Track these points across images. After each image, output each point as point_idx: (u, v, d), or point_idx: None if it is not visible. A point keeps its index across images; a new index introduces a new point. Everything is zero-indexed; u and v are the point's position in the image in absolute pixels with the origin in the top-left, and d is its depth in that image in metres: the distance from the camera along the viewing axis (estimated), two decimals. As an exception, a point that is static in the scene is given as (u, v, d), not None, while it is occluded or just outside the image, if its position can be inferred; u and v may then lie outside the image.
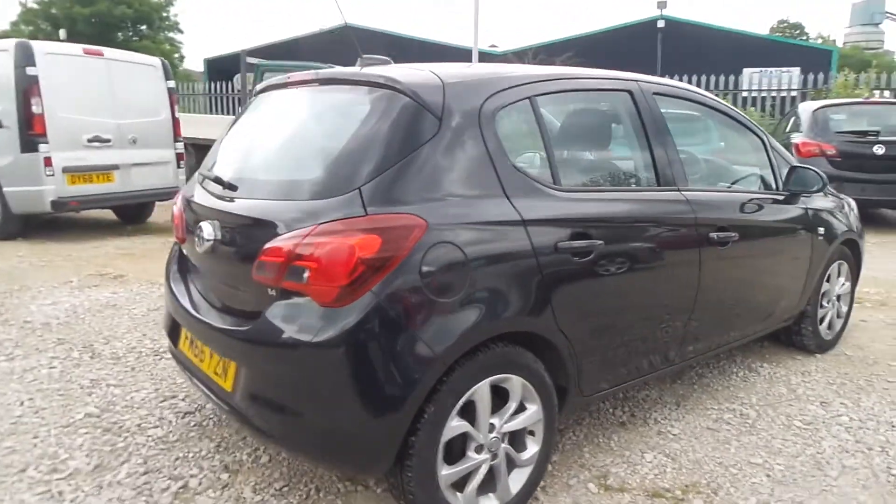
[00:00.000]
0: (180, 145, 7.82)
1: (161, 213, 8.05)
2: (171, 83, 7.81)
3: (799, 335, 3.60)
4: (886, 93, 12.40)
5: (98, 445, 2.60)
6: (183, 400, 3.02)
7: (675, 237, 2.57)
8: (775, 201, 3.16)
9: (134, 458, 2.51)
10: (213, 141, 2.73)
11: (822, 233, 3.41)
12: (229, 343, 2.04)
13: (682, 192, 2.62)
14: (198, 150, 9.26)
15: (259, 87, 2.70)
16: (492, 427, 2.03)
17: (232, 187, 2.20)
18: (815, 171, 3.19)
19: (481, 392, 1.97)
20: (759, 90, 13.79)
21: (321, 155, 2.07)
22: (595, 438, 2.72)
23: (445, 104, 1.97)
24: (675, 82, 2.93)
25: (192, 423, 2.81)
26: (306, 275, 1.77)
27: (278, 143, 2.34)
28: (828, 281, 3.65)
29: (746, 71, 15.65)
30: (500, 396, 2.05)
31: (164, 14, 34.80)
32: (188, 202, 2.48)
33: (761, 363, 3.56)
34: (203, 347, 2.23)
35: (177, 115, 7.78)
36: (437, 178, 1.91)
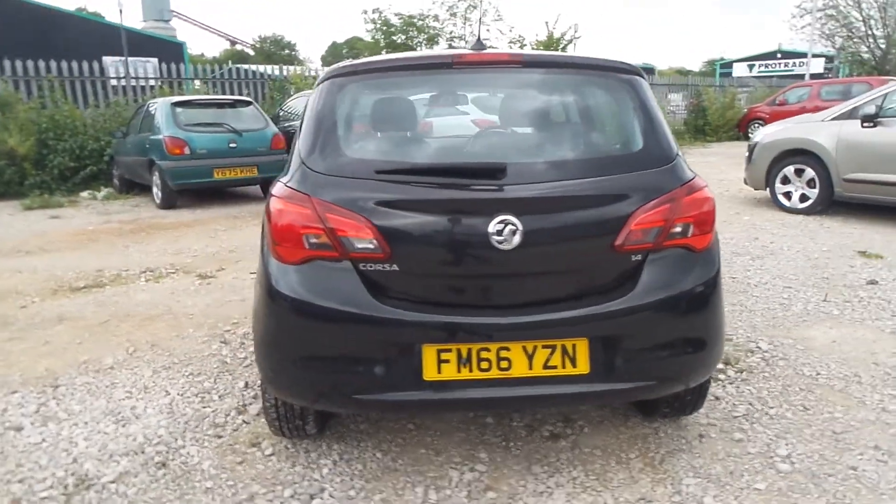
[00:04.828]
0: None
1: None
2: None
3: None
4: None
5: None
6: (310, 475, 2.26)
7: None
8: None
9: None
10: None
11: None
12: (585, 325, 1.97)
13: None
14: None
15: (384, 62, 2.23)
16: None
17: (500, 175, 1.97)
18: None
19: None
20: (122, 78, 13.26)
21: (626, 130, 2.23)
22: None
23: None
24: None
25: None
26: (689, 230, 2.03)
27: (544, 126, 2.38)
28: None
29: (107, 59, 14.13)
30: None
31: None
32: (399, 204, 1.97)
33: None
34: (508, 353, 1.97)
35: None
36: None
